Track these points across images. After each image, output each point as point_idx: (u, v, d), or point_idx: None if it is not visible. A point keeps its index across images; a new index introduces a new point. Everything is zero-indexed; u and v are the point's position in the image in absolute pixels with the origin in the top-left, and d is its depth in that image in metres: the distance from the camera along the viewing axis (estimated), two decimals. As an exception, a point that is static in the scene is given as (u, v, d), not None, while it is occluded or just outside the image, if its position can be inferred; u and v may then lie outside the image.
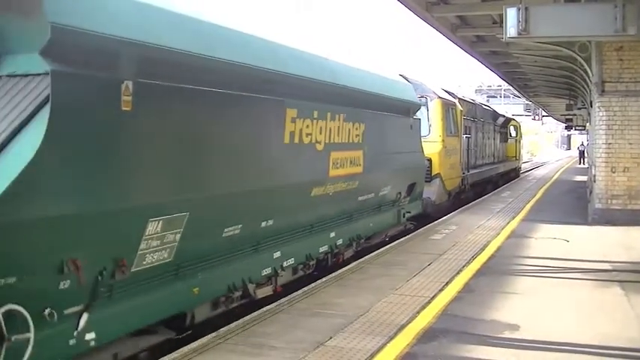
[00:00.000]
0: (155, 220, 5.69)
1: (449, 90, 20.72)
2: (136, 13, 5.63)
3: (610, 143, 14.91)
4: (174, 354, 5.90)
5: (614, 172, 14.88)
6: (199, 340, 6.27)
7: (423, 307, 7.46)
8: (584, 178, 30.01)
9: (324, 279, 8.97)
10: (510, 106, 63.09)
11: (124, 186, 5.38)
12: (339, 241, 10.17)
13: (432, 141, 16.22)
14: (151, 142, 5.65)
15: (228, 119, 6.77)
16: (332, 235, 9.89)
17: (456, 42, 21.58)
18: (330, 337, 6.34)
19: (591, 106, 18.35)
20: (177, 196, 6.01)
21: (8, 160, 4.44)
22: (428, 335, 6.46)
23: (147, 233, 5.65)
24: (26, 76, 4.80)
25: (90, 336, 5.19)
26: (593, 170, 16.80)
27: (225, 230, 6.89)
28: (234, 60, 6.80)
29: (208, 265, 6.75)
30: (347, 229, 10.44)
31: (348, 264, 10.16)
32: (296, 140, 8.12)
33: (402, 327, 6.70)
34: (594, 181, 15.74)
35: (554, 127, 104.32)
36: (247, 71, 7.01)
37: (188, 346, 6.12)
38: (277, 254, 8.18)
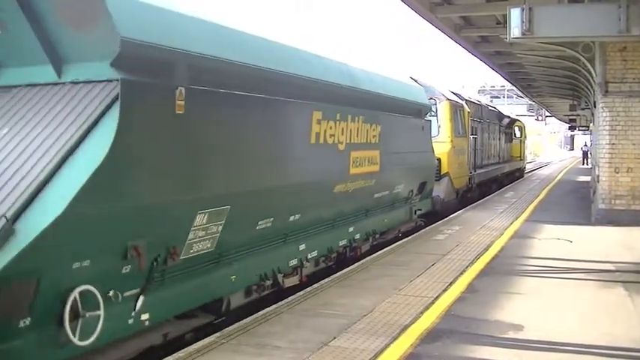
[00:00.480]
0: (202, 213, 6.29)
1: (456, 92, 21.09)
2: (186, 26, 6.25)
3: (613, 144, 14.91)
4: (179, 353, 5.91)
5: (617, 173, 14.87)
6: (203, 341, 6.28)
7: (427, 308, 7.45)
8: (587, 178, 29.97)
9: (327, 279, 8.98)
10: (513, 106, 62.97)
11: (177, 181, 5.97)
12: (357, 236, 10.73)
13: (441, 141, 16.68)
14: (199, 142, 6.23)
15: (264, 121, 7.40)
16: (350, 229, 10.47)
17: (459, 42, 21.57)
18: (334, 338, 6.34)
19: (595, 107, 18.33)
20: (221, 191, 6.61)
21: (84, 157, 5.00)
22: (432, 336, 6.46)
23: (195, 224, 6.25)
24: (89, 82, 5.43)
25: (145, 316, 5.78)
26: (596, 171, 16.79)
27: (259, 223, 7.52)
28: (270, 67, 7.43)
29: (243, 255, 7.37)
30: (364, 225, 11.03)
31: (365, 257, 10.70)
32: (321, 140, 8.76)
33: (406, 327, 6.70)
34: (598, 182, 15.73)
35: (557, 128, 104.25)
36: (280, 77, 7.64)
37: (192, 346, 6.14)
38: (302, 247, 8.81)
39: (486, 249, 11.33)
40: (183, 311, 6.57)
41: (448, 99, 17.67)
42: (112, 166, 5.03)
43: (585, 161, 50.36)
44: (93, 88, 5.41)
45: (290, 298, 7.91)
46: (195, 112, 6.01)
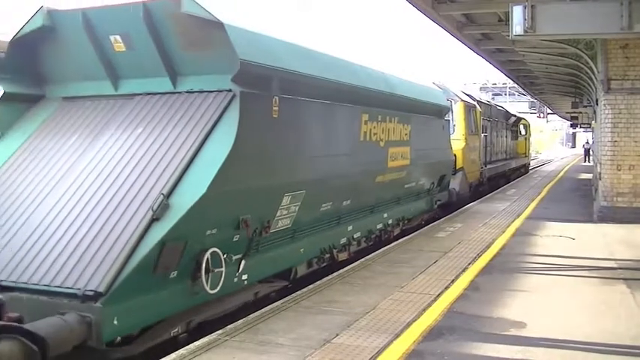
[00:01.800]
0: (288, 195, 7.88)
1: (468, 93, 23.06)
2: (277, 48, 7.91)
3: (615, 141, 14.89)
4: (182, 350, 5.93)
5: (619, 170, 14.85)
6: (206, 337, 6.30)
7: (429, 305, 7.47)
8: (589, 175, 29.97)
9: (329, 276, 9.01)
10: (515, 103, 62.99)
11: (273, 170, 7.54)
12: (390, 221, 12.34)
13: (456, 139, 18.06)
14: (286, 140, 7.88)
15: (328, 122, 9.08)
16: (385, 215, 12.05)
17: (461, 40, 21.53)
18: (337, 335, 6.36)
19: (597, 104, 18.32)
20: (300, 178, 8.17)
21: (213, 150, 6.55)
22: (434, 333, 6.48)
23: (282, 204, 7.83)
24: (204, 92, 7.11)
25: (244, 277, 7.33)
26: (598, 168, 16.78)
27: (323, 206, 9.14)
28: (333, 79, 9.10)
29: (310, 232, 8.99)
30: (395, 211, 12.64)
31: (397, 240, 12.25)
32: (367, 138, 10.44)
33: (409, 324, 6.72)
34: (600, 179, 15.73)
35: (559, 125, 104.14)
36: (340, 86, 9.31)
37: (195, 343, 6.15)
38: (350, 228, 10.42)
39: (488, 246, 11.34)
40: (269, 275, 8.19)
41: (462, 100, 19.27)
42: (233, 157, 6.51)
43: (587, 158, 50.33)
44: (210, 96, 7.06)
45: (292, 295, 7.95)
46: (284, 116, 7.58)
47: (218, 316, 7.17)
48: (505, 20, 16.39)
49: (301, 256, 8.91)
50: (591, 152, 42.10)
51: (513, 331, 6.59)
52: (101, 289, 5.46)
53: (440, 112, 15.35)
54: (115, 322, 5.51)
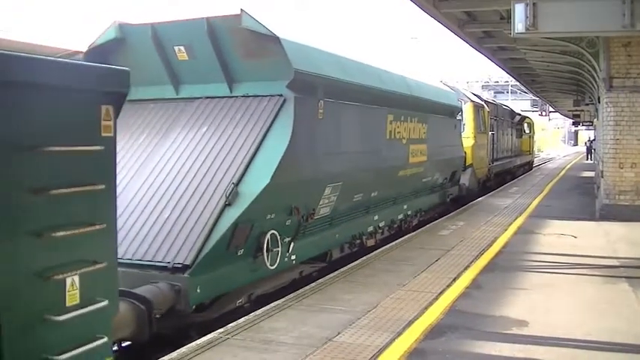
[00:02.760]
0: (329, 186, 9.04)
1: (476, 93, 25.32)
2: (321, 58, 9.05)
3: (618, 139, 14.87)
4: (183, 349, 5.93)
5: (621, 168, 14.84)
6: (208, 335, 6.31)
7: (431, 303, 7.47)
8: (591, 173, 29.94)
9: (331, 275, 9.00)
10: (517, 101, 62.96)
11: (318, 164, 8.70)
12: (409, 212, 13.48)
13: (466, 137, 19.09)
14: (328, 137, 9.07)
15: (360, 122, 10.25)
16: (405, 207, 13.18)
17: (463, 38, 21.50)
18: (339, 333, 6.36)
19: (599, 102, 18.30)
20: (339, 171, 9.31)
21: (271, 147, 7.64)
22: (436, 331, 6.48)
23: (324, 194, 9.01)
24: (258, 96, 8.17)
25: (293, 257, 8.40)
26: (600, 166, 16.76)
27: (355, 196, 10.25)
28: (366, 84, 10.30)
29: (344, 220, 10.15)
30: (414, 204, 13.75)
31: (416, 230, 13.27)
32: (392, 136, 11.62)
33: (410, 323, 6.72)
34: (602, 177, 15.71)
35: (561, 123, 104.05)
36: (371, 90, 10.48)
37: (196, 341, 6.16)
38: (376, 217, 11.54)
39: (490, 244, 11.34)
40: (311, 257, 9.28)
41: (472, 101, 20.53)
42: (289, 152, 7.64)
43: (589, 156, 50.24)
44: (264, 100, 8.13)
45: (294, 294, 7.94)
46: (327, 117, 8.79)
47: (272, 291, 8.32)
48: (507, 18, 16.36)
49: (336, 241, 10.10)
50: (593, 150, 42.07)
51: (515, 330, 6.58)
52: (188, 262, 6.59)
53: (452, 112, 16.45)
54: (198, 290, 6.67)
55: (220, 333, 6.37)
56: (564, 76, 27.36)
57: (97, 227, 4.43)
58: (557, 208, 17.08)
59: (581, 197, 20.45)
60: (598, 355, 6.02)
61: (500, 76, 64.26)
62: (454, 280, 8.66)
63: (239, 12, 7.96)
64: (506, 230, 13.05)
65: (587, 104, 34.05)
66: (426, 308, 7.27)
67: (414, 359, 5.75)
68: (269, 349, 5.93)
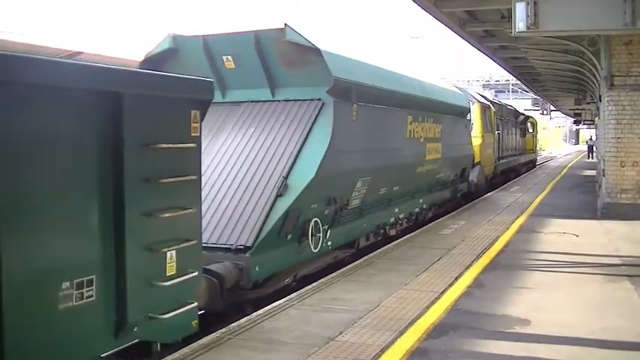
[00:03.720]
0: (360, 180, 10.13)
1: (483, 94, 26.85)
2: (354, 66, 10.09)
3: (619, 137, 14.86)
4: (185, 349, 5.93)
5: (623, 167, 14.83)
6: (210, 336, 6.31)
7: (433, 302, 7.47)
8: (592, 172, 29.93)
9: (333, 274, 9.01)
10: (518, 100, 62.81)
11: (352, 160, 9.66)
12: (425, 206, 14.45)
13: (474, 136, 19.95)
14: (361, 137, 10.03)
15: (385, 122, 11.31)
16: (421, 201, 14.13)
17: (464, 37, 21.50)
18: (341, 333, 6.36)
19: (600, 101, 18.28)
20: (368, 166, 10.39)
21: (314, 145, 8.73)
22: (438, 330, 6.48)
23: (356, 187, 10.11)
24: (298, 100, 9.26)
25: (329, 243, 9.44)
26: (602, 164, 16.76)
27: (380, 190, 11.36)
28: (391, 88, 11.33)
29: (371, 211, 11.12)
30: (429, 198, 14.71)
31: (431, 222, 14.25)
32: (411, 136, 12.72)
33: (412, 322, 6.72)
34: (603, 176, 15.70)
35: (562, 122, 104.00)
36: (394, 94, 11.53)
37: (198, 341, 6.15)
38: (397, 209, 12.50)
39: (492, 243, 11.34)
40: (343, 244, 10.19)
41: (479, 102, 21.61)
42: (329, 150, 8.73)
43: (590, 155, 50.23)
44: (304, 104, 9.20)
45: (296, 293, 7.95)
46: (359, 118, 9.86)
47: (312, 272, 9.36)
48: (508, 17, 16.35)
49: (364, 230, 11.06)
50: (595, 149, 42.09)
51: (517, 329, 6.58)
52: (248, 244, 7.71)
53: (462, 112, 17.44)
54: (256, 269, 7.74)
55: (223, 332, 6.38)
56: (565, 74, 27.35)
57: (190, 211, 5.56)
58: (558, 207, 17.07)
59: (582, 196, 20.44)
60: (600, 353, 6.02)
61: (501, 75, 64.16)
62: (456, 279, 8.66)
63: (283, 26, 8.98)
64: (508, 229, 13.05)
65: (589, 103, 34.07)
66: (428, 307, 7.27)
67: (416, 358, 5.75)
68: (271, 349, 5.93)
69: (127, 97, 4.86)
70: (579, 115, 47.86)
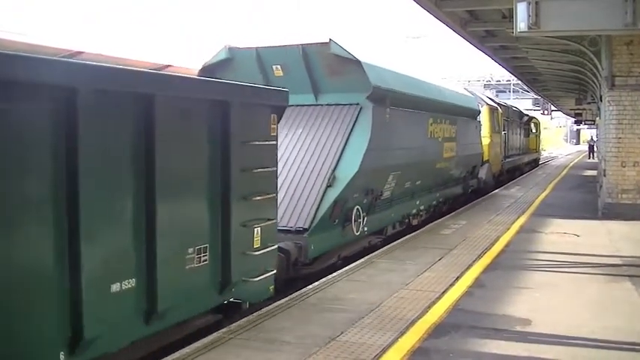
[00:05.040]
0: (392, 174, 11.58)
1: (491, 97, 28.84)
2: (387, 75, 11.50)
3: (620, 138, 14.86)
4: (187, 349, 5.93)
5: (624, 167, 14.84)
6: (211, 336, 6.30)
7: (434, 302, 7.48)
8: (593, 172, 29.91)
9: (334, 274, 9.02)
10: (519, 100, 62.78)
11: (385, 157, 11.04)
12: (440, 199, 15.83)
13: (483, 136, 21.15)
14: (392, 136, 11.42)
15: (412, 124, 12.85)
16: (437, 194, 15.46)
17: (465, 37, 21.50)
18: (342, 332, 6.37)
19: (601, 101, 18.27)
20: (398, 162, 11.75)
21: (356, 143, 10.13)
22: (439, 330, 6.49)
23: (388, 180, 11.52)
24: (339, 105, 10.64)
25: (365, 229, 10.80)
26: (603, 165, 16.76)
27: (406, 183, 12.71)
28: (417, 94, 12.84)
29: (397, 202, 12.54)
30: (444, 192, 16.11)
31: (445, 215, 15.46)
32: (431, 136, 14.18)
33: (413, 322, 6.73)
34: (604, 176, 15.70)
35: (563, 122, 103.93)
36: (419, 99, 13.02)
37: (200, 341, 6.15)
38: (418, 202, 13.89)
39: (493, 243, 11.35)
40: (375, 230, 11.53)
41: (488, 104, 23.01)
42: (369, 147, 10.14)
43: (591, 155, 50.20)
44: (344, 108, 10.59)
45: (298, 293, 7.96)
46: (392, 120, 11.24)
47: (352, 253, 10.68)
48: (509, 17, 16.35)
49: (392, 219, 12.46)
50: (596, 149, 42.13)
51: (518, 328, 6.59)
52: (306, 226, 9.16)
53: (474, 114, 18.86)
54: (312, 247, 9.18)
55: (224, 332, 6.38)
56: (566, 74, 27.34)
57: (270, 196, 7.12)
58: (559, 207, 17.08)
59: (583, 196, 20.44)
60: (601, 353, 6.03)
61: (502, 75, 64.05)
62: (457, 279, 8.67)
63: (328, 41, 10.39)
64: (508, 229, 13.05)
65: (589, 103, 34.05)
66: (429, 307, 7.28)
67: (417, 358, 5.76)
68: (272, 349, 5.94)
69: (233, 105, 6.37)
70: (580, 115, 47.83)
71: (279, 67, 10.79)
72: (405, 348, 5.95)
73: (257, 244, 6.78)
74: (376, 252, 10.68)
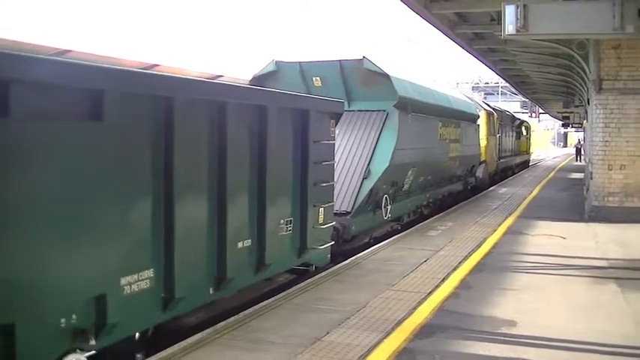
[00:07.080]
0: (410, 170, 13.57)
1: (487, 102, 32.09)
2: (408, 86, 13.46)
3: (607, 141, 14.93)
4: (175, 347, 5.90)
5: (610, 170, 14.90)
6: (197, 335, 6.28)
7: (420, 303, 7.48)
8: (580, 175, 30.05)
9: (321, 274, 9.01)
10: (507, 103, 62.95)
11: (406, 155, 12.93)
12: (445, 194, 17.94)
13: (481, 138, 23.18)
14: (412, 138, 13.33)
15: (426, 127, 14.77)
16: (443, 189, 17.64)
17: (454, 39, 21.53)
18: (327, 333, 6.36)
19: (588, 104, 18.36)
20: (416, 160, 13.68)
21: (385, 143, 12.17)
22: (425, 331, 6.49)
23: (407, 175, 13.53)
24: (368, 111, 12.60)
25: (388, 215, 12.83)
26: (590, 167, 16.83)
27: (420, 178, 14.68)
28: (430, 102, 14.86)
29: (413, 194, 14.65)
30: (449, 188, 18.35)
31: (450, 207, 17.40)
32: (441, 138, 16.32)
33: (399, 322, 6.73)
34: (591, 179, 15.77)
35: (550, 125, 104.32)
36: (431, 106, 14.87)
37: (186, 340, 6.13)
38: (428, 195, 16.04)
39: (479, 245, 11.37)
40: (395, 217, 13.55)
41: (485, 109, 25.22)
42: (396, 147, 12.17)
43: (578, 158, 50.43)
44: (373, 114, 12.56)
45: (284, 293, 7.94)
46: (412, 124, 13.26)
47: (380, 235, 13.00)
48: (497, 19, 16.38)
49: (408, 208, 14.57)
50: (583, 152, 42.39)
51: (504, 330, 6.60)
52: (349, 210, 11.33)
53: (474, 118, 21.12)
54: (353, 227, 11.18)
55: (210, 332, 6.36)
56: (554, 78, 27.44)
57: (330, 183, 9.22)
58: (546, 209, 17.15)
59: (570, 198, 20.53)
60: (586, 356, 6.04)
61: (491, 77, 64.20)
62: (443, 280, 8.68)
63: (362, 58, 12.38)
64: (495, 231, 13.09)
65: (577, 106, 34.17)
66: (415, 308, 7.28)
67: (403, 359, 5.76)
68: (258, 349, 5.92)
69: (312, 113, 8.37)
70: (568, 118, 47.95)
71: (318, 78, 12.70)
72: (391, 349, 5.95)
73: (321, 220, 8.80)
74: (362, 253, 10.69)
